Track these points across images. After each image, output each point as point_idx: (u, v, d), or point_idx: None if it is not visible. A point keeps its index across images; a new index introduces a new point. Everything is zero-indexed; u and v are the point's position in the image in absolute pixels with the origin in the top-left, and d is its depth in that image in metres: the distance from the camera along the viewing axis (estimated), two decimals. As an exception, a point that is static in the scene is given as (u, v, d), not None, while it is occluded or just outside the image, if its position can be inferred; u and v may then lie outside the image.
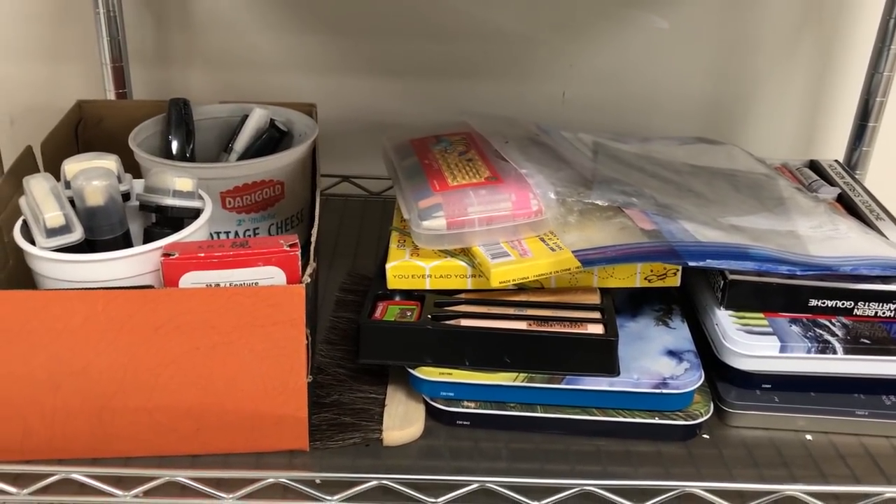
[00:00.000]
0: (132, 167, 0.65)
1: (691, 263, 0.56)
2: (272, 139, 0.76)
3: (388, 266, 0.62)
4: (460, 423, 0.60)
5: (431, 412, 0.60)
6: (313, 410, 0.58)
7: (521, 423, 0.59)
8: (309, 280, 0.53)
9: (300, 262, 0.53)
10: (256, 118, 0.76)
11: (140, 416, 0.54)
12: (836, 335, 0.60)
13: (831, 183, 0.77)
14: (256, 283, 0.53)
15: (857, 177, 0.77)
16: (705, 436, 0.60)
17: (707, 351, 0.62)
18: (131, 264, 0.53)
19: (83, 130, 0.78)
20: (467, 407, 0.59)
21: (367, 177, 0.93)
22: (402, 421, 0.59)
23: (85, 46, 0.88)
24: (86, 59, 0.89)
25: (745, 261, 0.57)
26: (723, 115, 0.93)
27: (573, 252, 0.58)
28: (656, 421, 0.58)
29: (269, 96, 0.82)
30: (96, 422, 0.54)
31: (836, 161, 0.82)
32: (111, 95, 0.85)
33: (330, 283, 0.75)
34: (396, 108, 0.93)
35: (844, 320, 0.61)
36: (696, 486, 0.54)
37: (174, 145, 0.72)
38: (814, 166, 0.81)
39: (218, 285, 0.52)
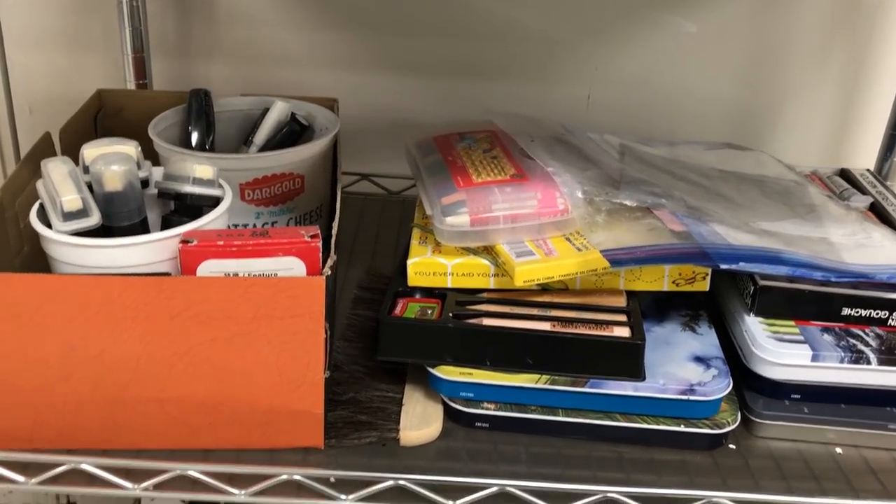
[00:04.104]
0: (151, 157, 0.64)
1: (723, 266, 0.55)
2: (293, 133, 0.74)
3: (409, 262, 0.60)
4: (479, 425, 0.58)
5: (450, 413, 0.59)
6: (329, 408, 0.56)
7: (541, 426, 0.57)
8: (329, 272, 0.52)
9: (321, 254, 0.52)
10: (277, 111, 0.75)
11: (152, 407, 0.53)
12: (870, 345, 0.58)
13: (863, 192, 0.75)
14: (276, 274, 0.51)
15: (889, 186, 0.75)
16: (732, 446, 0.58)
17: (735, 359, 0.60)
18: (149, 251, 0.51)
19: (103, 120, 0.77)
20: (487, 408, 0.58)
21: (387, 175, 0.91)
22: (419, 421, 0.57)
23: (106, 36, 0.87)
24: (107, 49, 0.88)
25: (778, 265, 0.55)
26: (751, 121, 0.92)
27: (601, 252, 0.56)
28: (682, 429, 0.57)
29: (290, 91, 0.81)
30: (107, 412, 0.53)
31: (867, 170, 0.80)
32: (131, 86, 0.84)
33: (348, 281, 0.74)
34: (418, 106, 0.91)
35: (879, 331, 0.59)
36: (722, 497, 0.52)
37: (194, 136, 0.71)
38: (845, 175, 0.79)
39: (236, 275, 0.51)
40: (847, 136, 0.92)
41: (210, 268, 0.51)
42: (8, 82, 0.90)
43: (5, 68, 0.90)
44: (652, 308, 0.64)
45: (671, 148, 0.77)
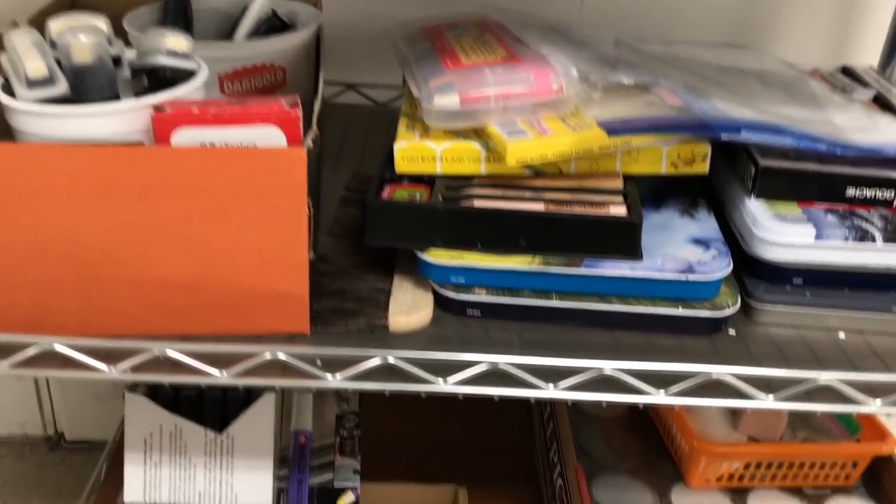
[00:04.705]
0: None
1: (724, 137, 0.52)
2: (273, 30, 0.71)
3: (396, 147, 0.58)
4: (470, 312, 0.56)
5: (440, 302, 0.57)
6: (315, 298, 0.54)
7: (534, 313, 0.55)
8: (311, 146, 0.49)
9: (302, 125, 0.49)
10: (257, 7, 0.71)
11: (129, 289, 0.51)
12: (876, 226, 0.56)
13: (866, 86, 0.72)
14: (254, 146, 0.49)
15: (893, 80, 0.73)
16: (731, 332, 0.56)
17: (735, 248, 0.58)
18: (120, 121, 0.49)
19: (76, 18, 0.73)
20: (478, 294, 0.55)
21: (374, 85, 0.88)
22: (409, 307, 0.55)
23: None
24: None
25: (782, 136, 0.53)
26: (750, 21, 0.88)
27: (597, 123, 0.54)
28: (680, 312, 0.55)
29: (271, -8, 0.78)
30: (82, 294, 0.51)
31: (870, 67, 0.77)
32: (107, -14, 0.81)
33: (335, 185, 0.71)
34: (406, 13, 0.88)
35: (884, 212, 0.57)
36: (723, 372, 0.50)
37: (171, 31, 0.68)
38: (847, 72, 0.77)
39: (213, 145, 0.48)
40: (850, 34, 0.89)
41: (185, 137, 0.48)
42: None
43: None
44: (649, 197, 0.62)
45: (668, 46, 0.74)
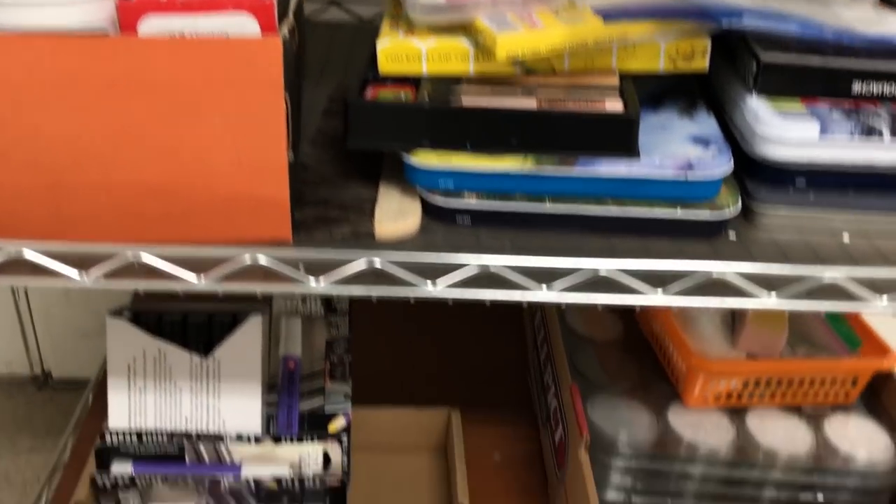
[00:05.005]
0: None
1: (725, 23, 0.49)
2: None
3: (378, 46, 0.54)
4: (460, 220, 0.54)
5: (428, 210, 0.54)
6: (297, 207, 0.52)
7: (527, 219, 0.53)
8: (287, 36, 0.46)
9: (276, 13, 0.46)
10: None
11: (99, 195, 0.48)
12: (883, 121, 0.53)
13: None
14: (226, 35, 0.46)
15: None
16: (732, 236, 0.54)
17: (735, 151, 0.56)
18: (82, 10, 0.45)
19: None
20: (468, 200, 0.53)
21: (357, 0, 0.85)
22: (395, 215, 0.53)
23: None
24: None
25: (787, 23, 0.50)
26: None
27: (592, 9, 0.51)
28: (679, 214, 0.52)
29: None
30: (51, 200, 0.48)
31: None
32: None
33: (318, 101, 0.68)
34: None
35: (892, 108, 0.55)
36: (723, 269, 0.48)
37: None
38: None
39: (182, 35, 0.45)
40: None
41: (152, 26, 0.45)
42: None
43: None
44: (646, 101, 0.58)
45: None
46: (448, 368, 0.88)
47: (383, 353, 0.88)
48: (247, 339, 0.71)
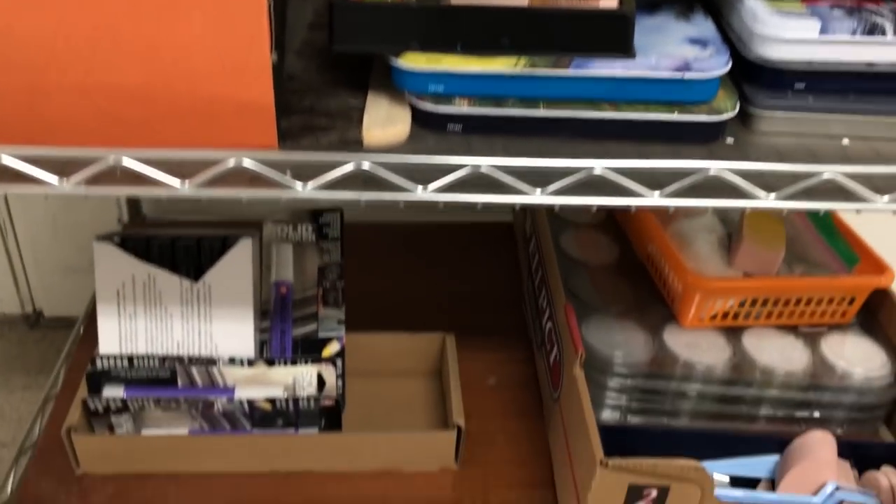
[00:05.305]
0: None
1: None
2: None
3: (365, -53, 0.52)
4: (451, 127, 0.52)
5: (418, 117, 0.52)
6: (283, 116, 0.50)
7: (520, 124, 0.52)
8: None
9: None
10: None
11: (78, 98, 0.46)
12: (886, 19, 0.52)
13: None
14: (205, -73, 0.44)
15: None
16: (730, 141, 0.53)
17: (734, 56, 0.54)
18: None
19: None
20: (459, 106, 0.51)
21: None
22: (384, 121, 0.51)
23: None
24: None
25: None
26: None
27: None
28: (675, 117, 0.51)
29: None
30: (27, 103, 0.46)
31: None
32: None
33: (303, 14, 0.66)
34: None
35: (894, 6, 0.53)
36: (721, 167, 0.47)
37: None
38: None
39: (158, -74, 0.43)
40: None
41: (125, -84, 0.43)
42: None
43: None
44: (642, 4, 0.57)
45: None
46: (441, 296, 0.88)
47: (376, 281, 0.87)
48: (237, 263, 0.70)
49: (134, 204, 0.96)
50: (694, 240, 0.77)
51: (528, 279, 0.87)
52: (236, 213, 0.97)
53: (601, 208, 0.48)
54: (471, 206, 0.47)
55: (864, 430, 0.73)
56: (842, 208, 0.48)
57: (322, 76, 0.56)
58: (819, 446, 0.67)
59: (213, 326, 0.70)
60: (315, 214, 0.77)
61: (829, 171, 0.47)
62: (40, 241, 1.03)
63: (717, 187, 0.48)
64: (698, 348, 0.72)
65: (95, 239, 0.69)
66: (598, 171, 0.46)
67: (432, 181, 0.47)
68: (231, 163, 0.45)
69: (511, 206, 1.00)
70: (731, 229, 0.79)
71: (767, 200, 0.47)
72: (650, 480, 0.59)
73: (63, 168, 0.46)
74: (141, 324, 0.70)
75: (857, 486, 0.66)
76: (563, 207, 0.90)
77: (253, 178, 0.47)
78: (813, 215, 0.81)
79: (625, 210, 0.48)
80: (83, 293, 0.90)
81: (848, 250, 0.76)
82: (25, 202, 1.00)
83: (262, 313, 0.74)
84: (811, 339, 0.74)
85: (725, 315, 0.73)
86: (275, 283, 0.75)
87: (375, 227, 0.96)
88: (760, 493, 0.66)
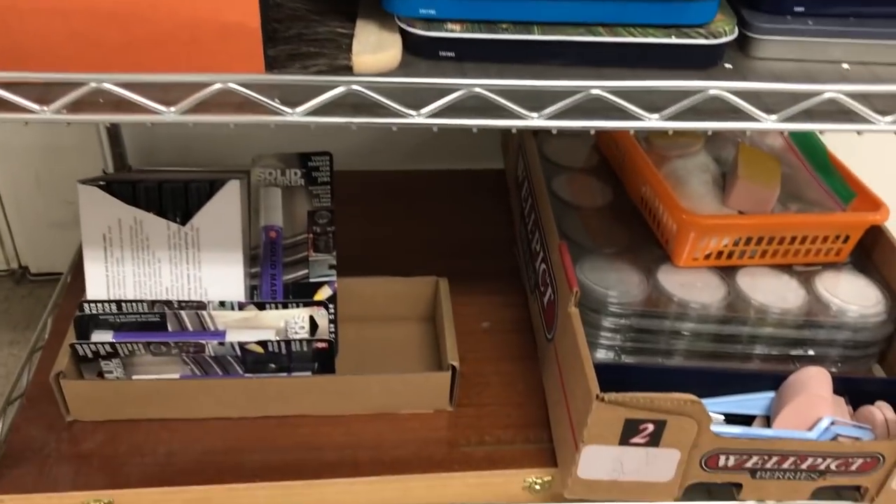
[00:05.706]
0: None
1: None
2: None
3: None
4: (443, 54, 0.51)
5: (409, 44, 0.51)
6: (269, 44, 0.49)
7: (514, 49, 0.50)
8: None
9: None
10: None
11: (55, 21, 0.45)
12: (887, -63, 0.51)
13: None
14: None
15: None
16: (728, 66, 0.52)
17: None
18: None
19: None
20: (451, 31, 0.50)
21: None
22: (374, 47, 0.50)
23: None
24: None
25: None
26: None
27: None
28: (673, 41, 0.50)
29: None
30: (2, 27, 0.45)
31: None
32: None
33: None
34: None
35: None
36: (722, 87, 0.46)
37: None
38: None
39: None
40: None
41: None
42: None
43: None
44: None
45: None
46: (433, 243, 0.87)
47: (367, 228, 0.86)
48: (225, 206, 0.68)
49: (119, 156, 0.94)
50: (688, 180, 0.76)
51: (521, 224, 0.86)
52: (223, 161, 0.96)
53: (599, 131, 0.46)
54: (466, 130, 0.46)
55: (859, 368, 0.73)
56: (844, 129, 0.47)
57: (309, 3, 0.54)
58: (814, 382, 0.66)
59: (202, 271, 0.69)
60: (304, 158, 0.76)
61: (831, 91, 0.46)
62: (24, 197, 1.01)
63: (717, 110, 0.47)
64: (693, 287, 0.72)
65: (79, 182, 0.68)
66: (595, 93, 0.45)
67: (426, 104, 0.46)
68: (217, 86, 0.44)
69: (503, 151, 0.98)
70: (725, 168, 0.78)
71: (768, 122, 0.46)
72: (646, 415, 0.59)
73: (43, 95, 0.44)
74: (129, 269, 0.69)
75: (853, 420, 0.66)
76: (556, 152, 0.89)
77: (240, 105, 0.45)
78: (808, 152, 0.80)
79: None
80: (68, 248, 0.88)
81: (843, 187, 0.75)
82: (7, 158, 0.98)
83: (251, 259, 0.73)
84: (805, 277, 0.74)
85: (720, 254, 0.73)
86: (264, 228, 0.74)
87: (366, 175, 0.95)
88: (756, 429, 0.66)
